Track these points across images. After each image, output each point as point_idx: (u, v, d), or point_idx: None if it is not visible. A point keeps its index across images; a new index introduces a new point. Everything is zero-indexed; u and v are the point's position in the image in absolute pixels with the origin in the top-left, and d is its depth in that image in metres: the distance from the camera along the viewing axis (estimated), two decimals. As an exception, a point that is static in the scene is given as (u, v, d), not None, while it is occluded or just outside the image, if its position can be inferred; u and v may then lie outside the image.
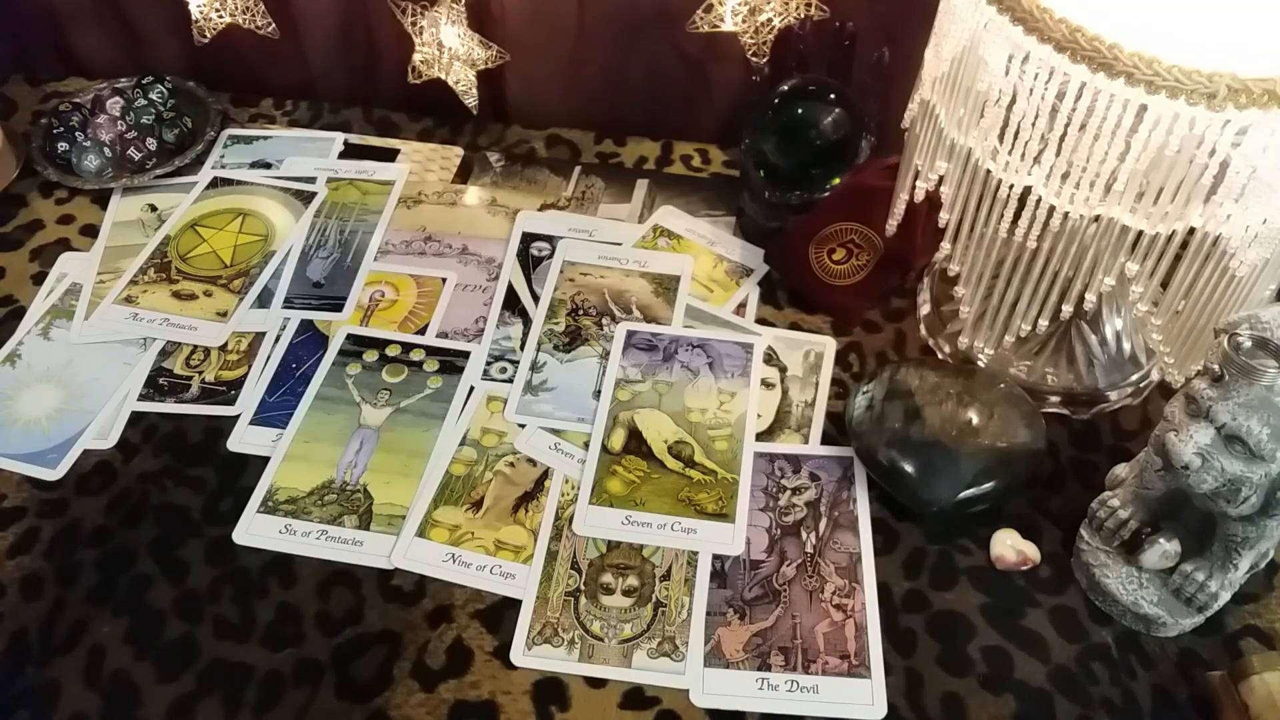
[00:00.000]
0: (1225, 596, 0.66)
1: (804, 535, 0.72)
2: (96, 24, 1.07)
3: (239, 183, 0.97)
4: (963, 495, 0.70)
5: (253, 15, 0.96)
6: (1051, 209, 0.63)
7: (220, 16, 0.96)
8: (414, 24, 0.94)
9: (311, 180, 0.98)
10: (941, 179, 0.71)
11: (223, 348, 0.83)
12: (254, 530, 0.72)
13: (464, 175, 1.00)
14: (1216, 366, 0.58)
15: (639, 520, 0.72)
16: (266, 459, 0.75)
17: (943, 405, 0.73)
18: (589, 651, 0.66)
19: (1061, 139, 0.60)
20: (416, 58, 0.95)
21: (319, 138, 1.03)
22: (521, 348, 0.84)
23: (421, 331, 0.85)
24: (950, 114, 0.67)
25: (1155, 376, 0.80)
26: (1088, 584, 0.69)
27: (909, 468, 0.71)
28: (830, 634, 0.67)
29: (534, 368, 0.82)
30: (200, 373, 0.82)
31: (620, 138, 1.04)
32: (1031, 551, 0.71)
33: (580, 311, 0.87)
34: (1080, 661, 0.66)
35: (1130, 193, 0.61)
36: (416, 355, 0.83)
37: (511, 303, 0.87)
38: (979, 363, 0.78)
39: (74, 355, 0.83)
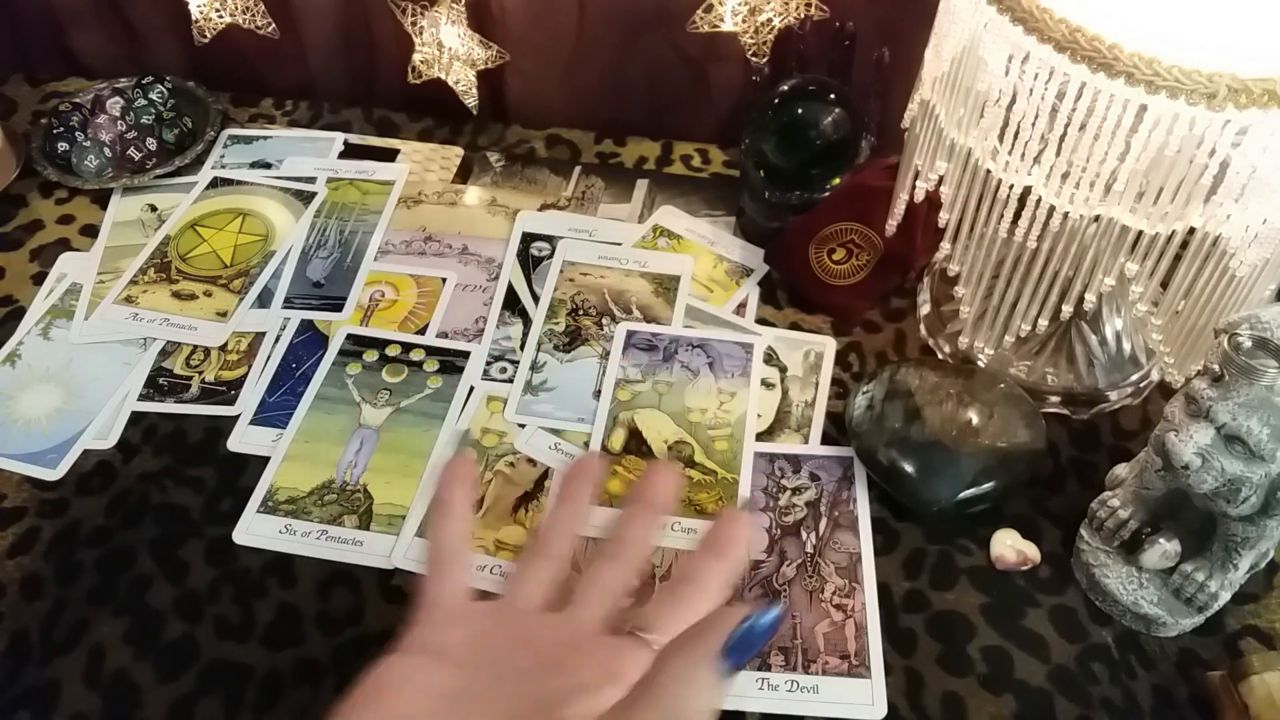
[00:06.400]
0: (1225, 596, 0.66)
1: (804, 535, 0.72)
2: (96, 24, 1.07)
3: (239, 183, 0.97)
4: (963, 495, 0.70)
5: (253, 15, 0.96)
6: (1051, 209, 0.63)
7: (220, 16, 0.96)
8: (414, 24, 0.94)
9: (311, 180, 0.97)
10: (941, 179, 0.71)
11: (223, 348, 0.83)
12: (254, 530, 0.72)
13: (464, 175, 1.00)
14: (1216, 366, 0.57)
15: (639, 520, 0.72)
16: (266, 459, 0.75)
17: (943, 405, 0.73)
18: (589, 651, 0.66)
19: (1061, 139, 0.60)
20: (416, 58, 0.95)
21: (319, 138, 1.03)
22: (521, 348, 0.84)
23: (421, 331, 0.85)
24: (950, 114, 0.67)
25: (1155, 376, 0.80)
26: (1088, 584, 0.69)
27: (909, 468, 0.71)
28: (830, 634, 0.67)
29: (534, 368, 0.82)
30: (200, 373, 0.82)
31: (620, 138, 1.03)
32: (1031, 551, 0.71)
33: (580, 311, 0.87)
34: (1080, 661, 0.66)
35: (1130, 193, 0.61)
36: (416, 355, 0.83)
37: (511, 303, 0.87)
38: (979, 363, 0.78)
39: (74, 355, 0.83)
